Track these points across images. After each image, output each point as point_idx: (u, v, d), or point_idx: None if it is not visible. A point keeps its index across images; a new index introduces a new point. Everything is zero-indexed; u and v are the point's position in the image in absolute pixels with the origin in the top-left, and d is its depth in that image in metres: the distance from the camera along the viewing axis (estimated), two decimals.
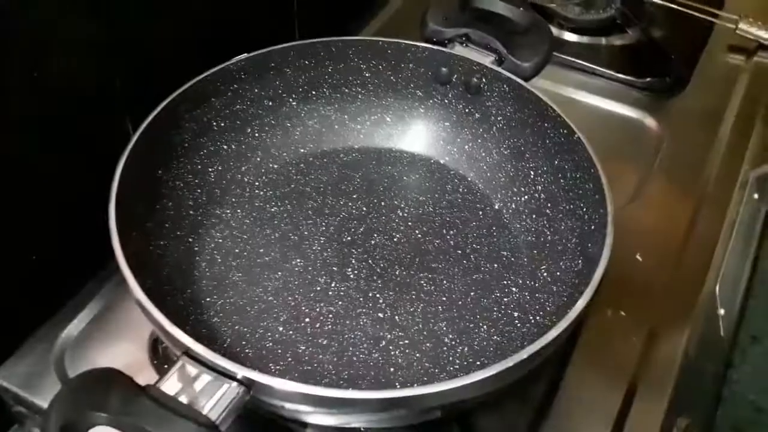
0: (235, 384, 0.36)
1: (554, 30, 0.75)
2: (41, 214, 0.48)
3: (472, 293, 0.49)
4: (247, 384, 0.36)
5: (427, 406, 0.38)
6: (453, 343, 0.46)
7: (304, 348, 0.45)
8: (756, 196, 0.66)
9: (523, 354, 0.37)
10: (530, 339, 0.45)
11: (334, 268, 0.50)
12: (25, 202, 0.47)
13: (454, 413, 0.44)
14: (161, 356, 0.48)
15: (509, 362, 0.36)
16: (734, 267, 0.62)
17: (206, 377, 0.36)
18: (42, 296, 0.50)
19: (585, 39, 0.76)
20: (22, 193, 0.46)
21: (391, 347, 0.46)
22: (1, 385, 0.47)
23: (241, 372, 0.35)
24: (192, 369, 0.36)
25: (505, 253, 0.52)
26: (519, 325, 0.47)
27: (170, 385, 0.36)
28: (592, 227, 0.47)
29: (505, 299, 0.49)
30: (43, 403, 0.45)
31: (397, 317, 0.47)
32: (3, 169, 0.44)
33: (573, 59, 0.73)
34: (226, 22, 0.59)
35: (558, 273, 0.49)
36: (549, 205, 0.53)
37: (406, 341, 0.46)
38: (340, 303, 0.48)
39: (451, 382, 0.35)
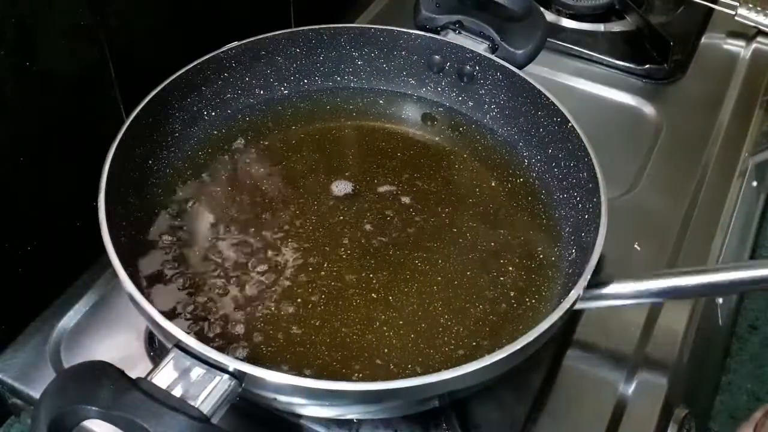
0: (227, 376, 0.35)
1: (552, 16, 0.75)
2: (36, 204, 0.48)
3: (468, 272, 0.48)
4: (239, 376, 0.35)
5: (421, 396, 0.38)
6: (448, 323, 0.45)
7: (296, 329, 0.44)
8: (755, 183, 0.66)
9: (516, 345, 0.36)
10: (526, 322, 0.45)
11: (327, 248, 0.49)
12: (19, 192, 0.47)
13: (451, 402, 0.44)
14: (157, 347, 0.48)
15: (502, 353, 0.36)
16: (733, 255, 0.61)
17: (198, 369, 0.36)
18: (37, 288, 0.50)
19: (583, 25, 0.75)
20: (15, 183, 0.46)
21: (385, 328, 0.45)
22: None
23: (233, 364, 0.35)
24: (184, 361, 0.36)
25: (502, 231, 0.51)
26: (515, 305, 0.47)
27: (162, 378, 0.36)
28: (586, 216, 0.46)
29: (501, 278, 0.48)
30: (38, 396, 0.45)
31: (391, 297, 0.47)
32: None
33: (571, 46, 0.73)
34: (221, 9, 0.58)
35: (553, 258, 0.49)
36: (543, 191, 0.53)
37: (401, 322, 0.45)
38: (333, 284, 0.47)
39: (446, 373, 0.35)
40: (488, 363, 0.36)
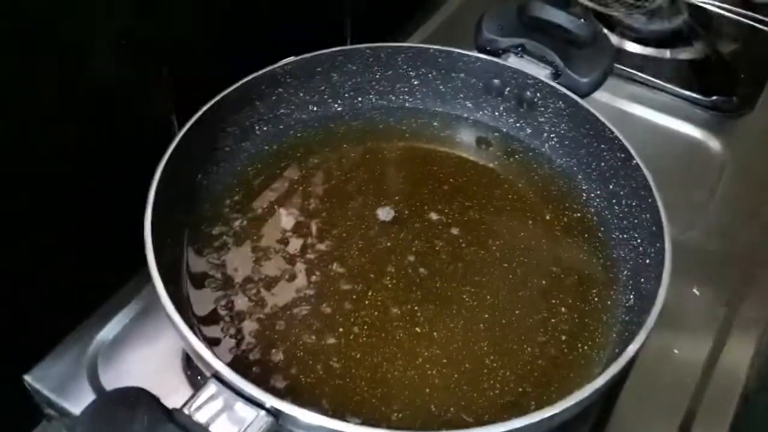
0: (263, 413, 0.34)
1: (615, 39, 0.72)
2: (82, 212, 0.48)
3: (517, 311, 0.46)
4: (276, 413, 0.34)
5: None
6: (494, 365, 0.44)
7: (336, 360, 0.43)
8: None
9: (570, 401, 0.35)
10: (577, 370, 0.43)
11: (372, 275, 0.47)
12: (67, 200, 0.46)
13: None
14: (195, 366, 0.47)
15: (554, 409, 0.34)
16: None
17: (234, 403, 0.35)
18: (79, 296, 0.50)
19: (648, 50, 0.72)
20: (64, 191, 0.46)
21: (427, 365, 0.44)
22: (34, 387, 0.46)
23: (270, 401, 0.34)
24: (221, 393, 0.35)
25: (554, 269, 0.49)
26: (566, 351, 0.45)
27: (197, 410, 0.35)
28: (647, 261, 0.44)
29: (553, 320, 0.46)
30: (74, 409, 0.45)
31: (435, 333, 0.45)
32: (46, 166, 0.44)
33: (634, 71, 0.70)
34: (277, 24, 0.57)
35: (608, 302, 0.47)
36: (602, 229, 0.51)
37: (444, 360, 0.44)
38: (376, 314, 0.46)
39: (490, 428, 0.33)
40: (536, 420, 0.34)
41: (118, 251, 0.50)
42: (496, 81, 0.55)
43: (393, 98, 0.57)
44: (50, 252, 0.47)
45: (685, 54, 0.72)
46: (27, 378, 0.46)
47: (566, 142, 0.53)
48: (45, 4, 0.40)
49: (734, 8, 0.74)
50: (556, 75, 0.53)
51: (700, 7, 0.72)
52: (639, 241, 0.46)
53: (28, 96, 0.42)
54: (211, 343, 0.43)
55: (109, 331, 0.49)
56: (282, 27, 0.58)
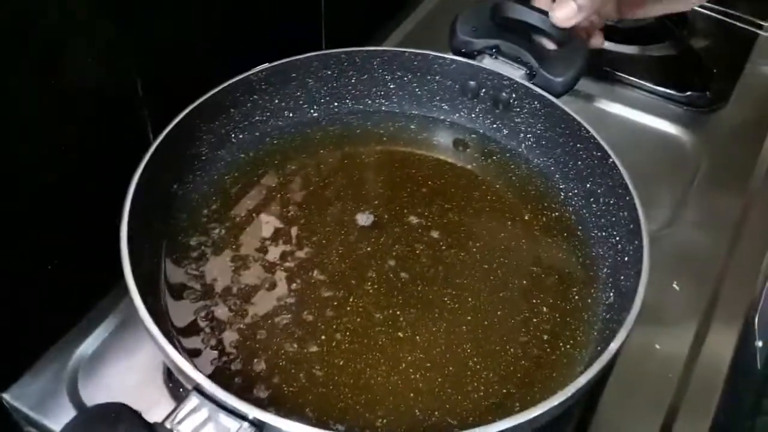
0: (246, 424, 0.34)
1: None
2: (58, 223, 0.47)
3: (498, 312, 0.46)
4: (259, 425, 0.34)
5: None
6: (478, 367, 0.44)
7: (318, 368, 0.43)
8: None
9: (553, 401, 0.35)
10: (559, 369, 0.43)
11: (352, 281, 0.47)
12: (41, 209, 0.46)
13: None
14: (176, 378, 0.47)
15: (538, 410, 0.34)
16: None
17: (216, 415, 0.35)
18: (57, 311, 0.49)
19: (621, 48, 0.72)
20: (37, 199, 0.45)
21: (411, 370, 0.44)
22: (13, 405, 0.46)
23: (252, 413, 0.34)
24: (203, 406, 0.35)
25: (534, 268, 0.49)
26: (549, 351, 0.45)
27: (179, 423, 0.34)
28: (626, 259, 0.44)
29: (534, 320, 0.46)
30: (54, 427, 0.44)
31: (418, 337, 0.45)
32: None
33: (608, 69, 0.70)
34: (251, 30, 0.57)
35: (589, 300, 0.47)
36: (580, 228, 0.51)
37: (428, 364, 0.44)
38: (358, 320, 0.45)
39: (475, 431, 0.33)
40: (520, 422, 0.34)
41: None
42: (471, 83, 0.55)
43: (369, 102, 0.57)
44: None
45: (658, 50, 0.72)
46: (5, 396, 0.46)
47: (543, 142, 0.54)
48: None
49: (706, 3, 0.75)
50: (531, 75, 0.54)
51: None
52: (617, 238, 0.46)
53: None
54: (192, 354, 0.42)
55: (88, 345, 0.49)
56: (256, 33, 0.58)
